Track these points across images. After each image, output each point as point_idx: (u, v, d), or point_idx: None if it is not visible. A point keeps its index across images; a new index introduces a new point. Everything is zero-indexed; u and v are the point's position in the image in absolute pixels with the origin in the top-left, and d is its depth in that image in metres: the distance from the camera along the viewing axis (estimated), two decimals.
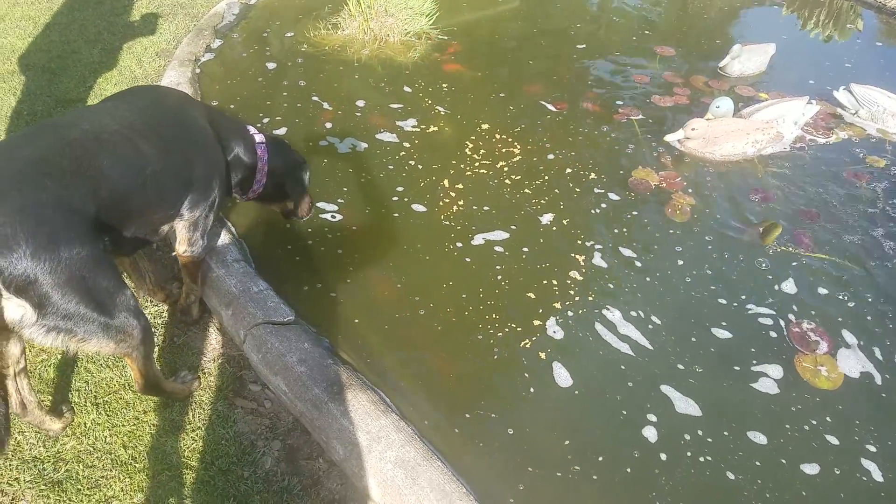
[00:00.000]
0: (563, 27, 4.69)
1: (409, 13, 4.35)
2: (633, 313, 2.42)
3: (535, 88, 3.83)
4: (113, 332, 1.65)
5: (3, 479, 1.81)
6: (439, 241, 2.69)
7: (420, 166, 3.12)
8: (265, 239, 2.69)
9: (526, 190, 3.01)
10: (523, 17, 4.88)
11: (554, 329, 2.34)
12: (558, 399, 2.12)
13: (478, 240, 2.71)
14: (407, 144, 3.26)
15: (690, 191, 3.09)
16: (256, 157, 2.30)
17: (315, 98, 3.62)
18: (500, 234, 2.74)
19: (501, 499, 1.83)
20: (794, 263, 2.69)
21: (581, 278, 2.55)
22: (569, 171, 3.16)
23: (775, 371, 2.24)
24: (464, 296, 2.44)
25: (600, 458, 1.95)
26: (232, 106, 3.51)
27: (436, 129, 3.41)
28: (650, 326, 2.37)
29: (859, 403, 2.16)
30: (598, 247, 2.71)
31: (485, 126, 3.44)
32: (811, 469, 1.96)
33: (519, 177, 3.09)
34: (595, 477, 1.90)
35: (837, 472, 1.96)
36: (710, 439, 2.02)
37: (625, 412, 2.08)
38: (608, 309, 2.43)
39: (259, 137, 2.33)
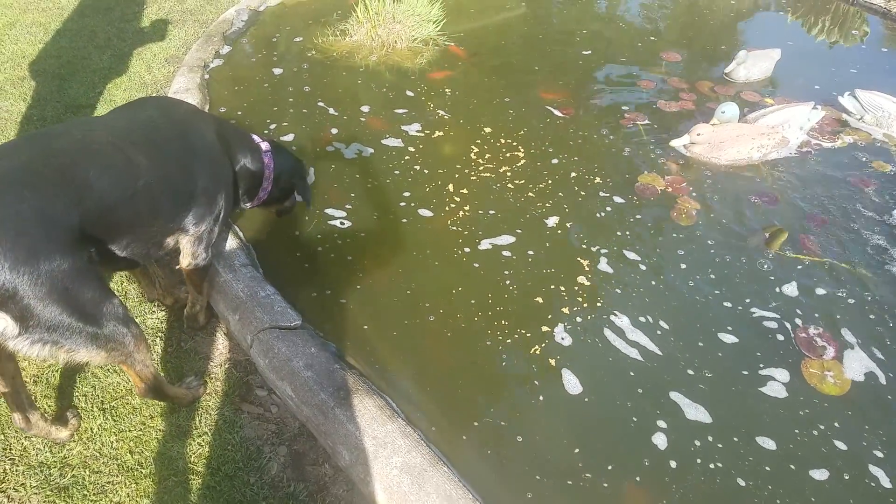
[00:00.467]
0: (569, 33, 4.70)
1: (417, 20, 4.37)
2: (642, 318, 2.41)
3: (541, 93, 3.84)
4: (102, 341, 1.62)
5: (10, 485, 1.81)
6: (447, 247, 2.69)
7: (426, 171, 3.12)
8: (273, 244, 2.69)
9: (530, 194, 3.01)
10: (530, 22, 4.89)
11: (563, 335, 2.33)
12: (568, 406, 2.10)
13: (485, 244, 2.71)
14: (412, 149, 3.27)
15: (696, 195, 3.08)
16: (263, 166, 2.31)
17: (321, 104, 3.63)
18: (506, 239, 2.74)
19: None
20: (800, 267, 2.68)
21: (588, 283, 2.55)
22: (574, 175, 3.15)
23: (782, 375, 2.23)
24: (472, 301, 2.43)
25: (610, 467, 1.93)
26: (239, 112, 3.53)
27: (441, 133, 3.41)
28: (658, 332, 2.37)
29: (867, 409, 2.15)
30: (604, 251, 2.71)
31: (489, 130, 3.45)
32: (820, 475, 1.95)
33: (523, 181, 3.09)
34: (605, 485, 1.89)
35: (846, 478, 1.94)
36: (720, 445, 2.01)
37: (635, 419, 2.07)
38: (616, 314, 2.42)
39: (265, 146, 2.34)
